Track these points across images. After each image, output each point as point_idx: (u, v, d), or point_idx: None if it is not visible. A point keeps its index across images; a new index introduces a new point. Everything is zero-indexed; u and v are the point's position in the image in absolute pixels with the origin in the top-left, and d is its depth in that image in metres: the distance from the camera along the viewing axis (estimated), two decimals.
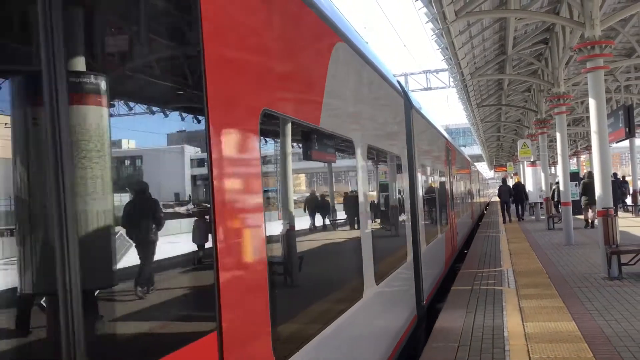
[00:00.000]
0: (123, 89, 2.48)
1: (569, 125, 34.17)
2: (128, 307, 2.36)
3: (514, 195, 33.06)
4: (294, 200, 4.18)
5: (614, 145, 24.47)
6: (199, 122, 2.80)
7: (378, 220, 7.23)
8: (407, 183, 9.09)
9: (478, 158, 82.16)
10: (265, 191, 3.44)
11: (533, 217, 32.47)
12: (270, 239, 3.50)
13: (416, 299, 9.11)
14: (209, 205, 2.77)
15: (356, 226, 5.82)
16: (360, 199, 5.84)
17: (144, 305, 2.45)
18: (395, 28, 35.12)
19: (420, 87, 52.99)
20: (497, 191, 33.87)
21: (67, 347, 1.91)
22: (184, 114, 2.87)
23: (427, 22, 15.96)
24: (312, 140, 4.69)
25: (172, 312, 2.63)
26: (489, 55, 23.37)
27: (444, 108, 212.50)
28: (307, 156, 4.70)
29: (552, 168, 45.63)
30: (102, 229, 2.20)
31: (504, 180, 34.64)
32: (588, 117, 25.41)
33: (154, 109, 2.70)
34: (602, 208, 12.71)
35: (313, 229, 4.90)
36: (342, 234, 5.78)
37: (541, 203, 29.83)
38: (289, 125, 4.05)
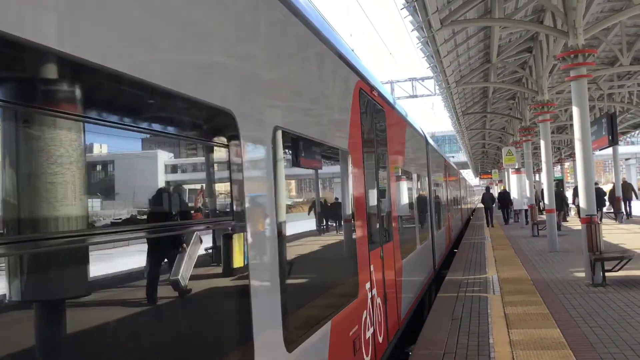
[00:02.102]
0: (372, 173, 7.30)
1: (552, 132, 34.49)
2: None
3: (500, 202, 35.45)
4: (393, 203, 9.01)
5: (598, 152, 24.76)
6: (382, 174, 7.79)
7: (420, 213, 12.75)
8: (427, 193, 14.85)
9: (464, 165, 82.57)
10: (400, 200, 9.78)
11: (516, 222, 32.78)
12: (403, 219, 10.07)
13: (433, 263, 14.64)
14: (390, 207, 8.42)
15: (413, 215, 11.73)
16: (413, 201, 11.76)
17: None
18: (381, 36, 35.55)
19: (405, 94, 53.26)
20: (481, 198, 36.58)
21: None
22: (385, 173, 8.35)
23: (412, 30, 16.02)
24: (405, 176, 10.59)
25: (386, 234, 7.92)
26: (474, 63, 23.53)
27: (430, 115, 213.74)
28: (403, 184, 10.53)
29: (537, 175, 46.05)
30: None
31: (487, 189, 36.89)
32: (572, 125, 25.65)
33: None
34: (586, 215, 12.81)
35: (410, 214, 11.23)
36: (415, 216, 11.94)
37: (526, 210, 30.04)
38: (401, 171, 9.85)
